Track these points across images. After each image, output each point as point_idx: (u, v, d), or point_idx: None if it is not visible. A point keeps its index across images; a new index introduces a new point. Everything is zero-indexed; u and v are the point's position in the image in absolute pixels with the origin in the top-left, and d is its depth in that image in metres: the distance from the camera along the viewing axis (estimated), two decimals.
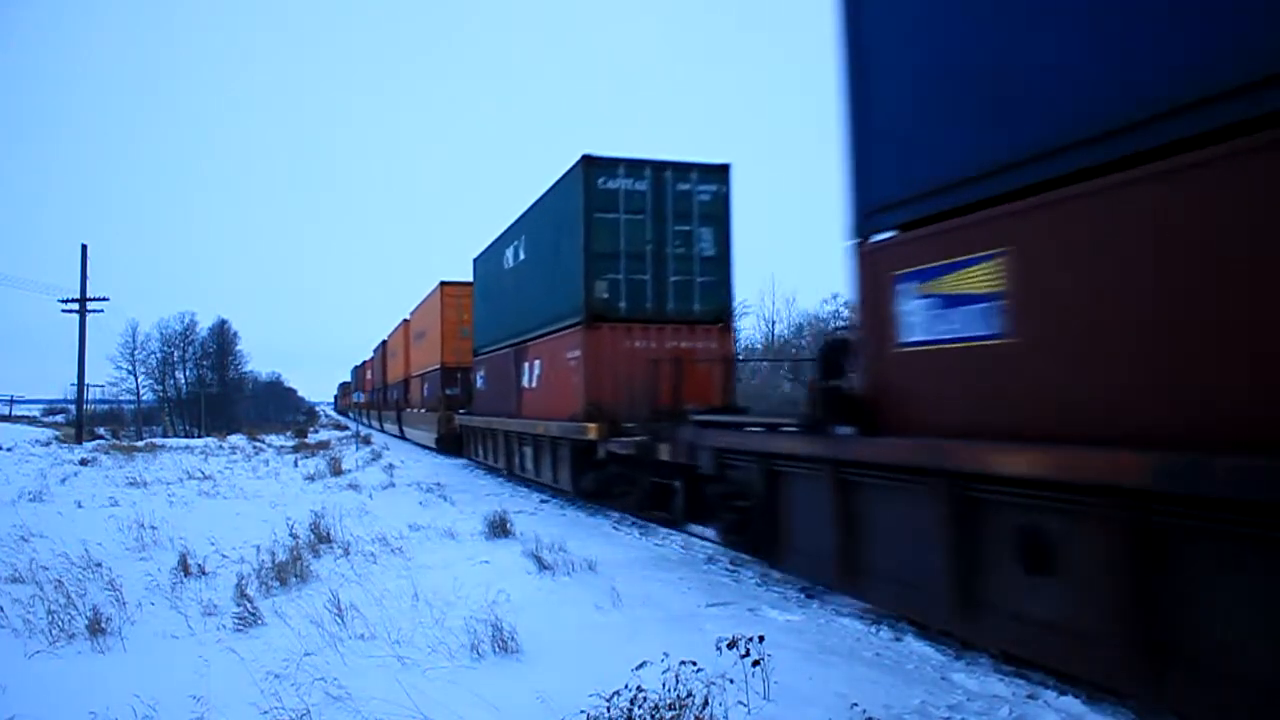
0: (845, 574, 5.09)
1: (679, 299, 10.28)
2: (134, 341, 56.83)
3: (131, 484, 14.45)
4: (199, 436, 40.56)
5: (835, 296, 31.37)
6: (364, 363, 50.73)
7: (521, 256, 13.13)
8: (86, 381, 34.67)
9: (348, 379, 71.91)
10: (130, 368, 56.79)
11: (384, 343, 36.43)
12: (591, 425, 9.62)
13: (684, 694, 3.43)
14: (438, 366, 20.68)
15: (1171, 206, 3.05)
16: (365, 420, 48.78)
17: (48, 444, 29.24)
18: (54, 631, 4.99)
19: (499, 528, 8.58)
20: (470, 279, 17.48)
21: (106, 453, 23.29)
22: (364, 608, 5.35)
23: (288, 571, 6.40)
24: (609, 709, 3.36)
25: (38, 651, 4.75)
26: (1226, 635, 2.98)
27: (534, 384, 12.34)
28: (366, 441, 28.17)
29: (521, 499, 12.45)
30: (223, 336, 63.78)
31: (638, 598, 5.84)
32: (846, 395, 4.97)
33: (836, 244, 5.15)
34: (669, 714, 3.30)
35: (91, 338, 34.88)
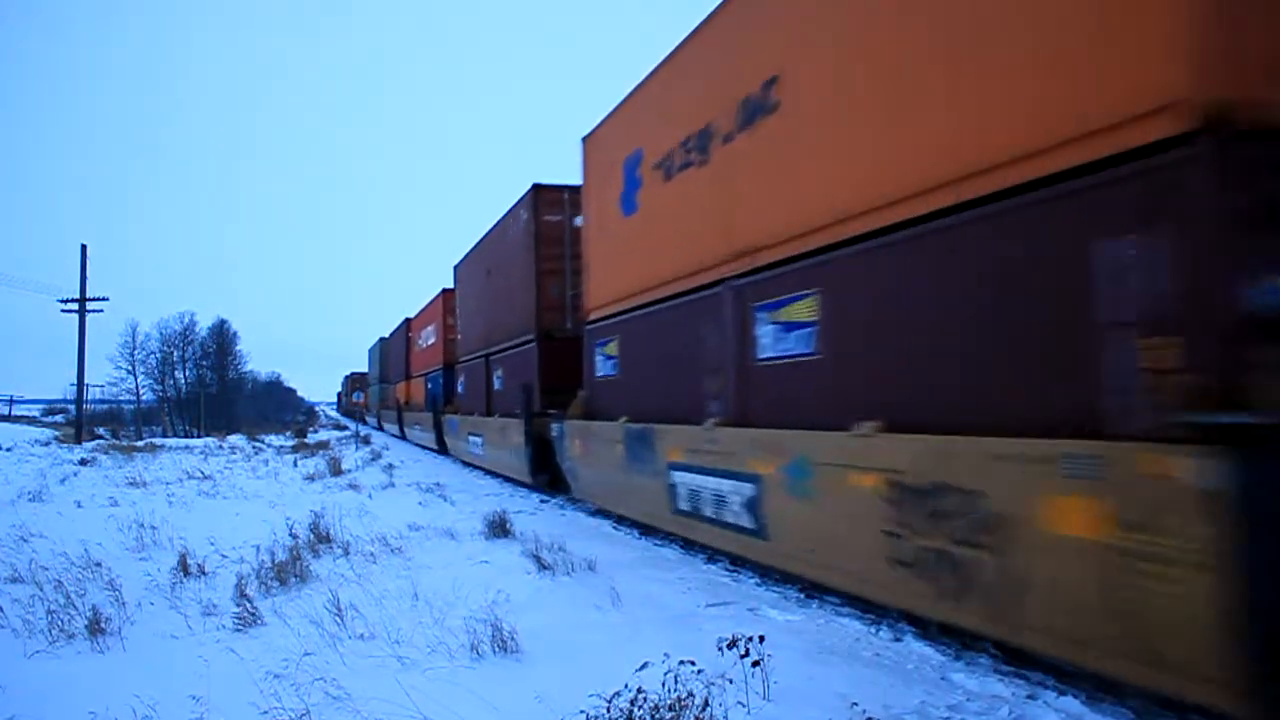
0: None
1: None
2: (133, 341, 56.85)
3: (131, 484, 14.45)
4: (198, 436, 40.53)
5: None
6: (404, 324, 27.96)
7: None
8: (86, 381, 34.70)
9: (362, 370, 53.44)
10: (130, 368, 56.79)
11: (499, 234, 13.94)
12: None
13: (684, 694, 3.43)
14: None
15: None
16: (409, 435, 26.65)
17: (47, 444, 29.24)
18: (53, 631, 4.98)
19: (499, 528, 8.58)
20: None
21: (106, 453, 23.27)
22: (363, 608, 5.35)
23: (287, 571, 6.40)
24: (609, 709, 3.35)
25: (37, 651, 4.75)
26: None
27: None
28: (366, 441, 28.17)
29: (521, 499, 12.45)
30: (222, 336, 63.78)
31: (638, 598, 5.84)
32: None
33: None
34: (669, 714, 3.30)
35: (91, 338, 34.88)
